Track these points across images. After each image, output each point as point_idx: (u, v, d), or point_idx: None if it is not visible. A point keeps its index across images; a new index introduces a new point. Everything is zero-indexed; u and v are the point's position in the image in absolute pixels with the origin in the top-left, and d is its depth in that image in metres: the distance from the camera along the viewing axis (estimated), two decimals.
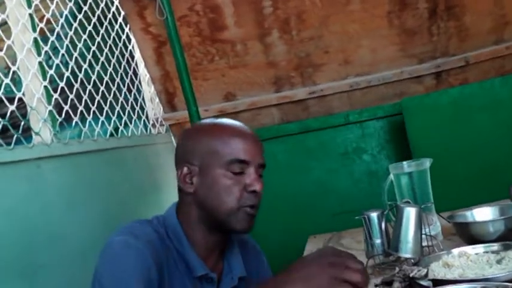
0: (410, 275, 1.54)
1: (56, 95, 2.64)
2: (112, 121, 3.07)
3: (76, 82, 2.80)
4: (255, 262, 1.79)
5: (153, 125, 3.59)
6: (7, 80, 2.36)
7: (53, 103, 2.63)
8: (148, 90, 3.64)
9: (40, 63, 2.62)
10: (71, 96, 2.73)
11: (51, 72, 2.64)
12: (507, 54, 3.24)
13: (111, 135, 3.06)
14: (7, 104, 2.33)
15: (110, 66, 3.14)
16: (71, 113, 2.72)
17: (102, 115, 2.97)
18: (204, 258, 1.55)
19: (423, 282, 1.52)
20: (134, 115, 3.34)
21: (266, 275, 1.83)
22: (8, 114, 2.30)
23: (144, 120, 3.45)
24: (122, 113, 3.19)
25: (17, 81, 2.57)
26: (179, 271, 1.49)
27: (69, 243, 2.44)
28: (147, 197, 3.26)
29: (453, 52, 3.29)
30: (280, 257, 2.65)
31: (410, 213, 1.76)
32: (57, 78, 2.67)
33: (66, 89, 2.73)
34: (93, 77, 2.95)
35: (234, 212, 1.51)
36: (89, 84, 2.91)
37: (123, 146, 3.10)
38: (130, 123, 3.28)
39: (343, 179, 3.34)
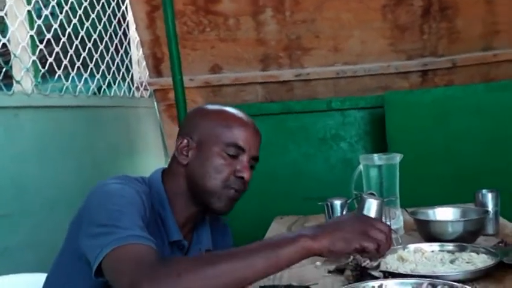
0: (362, 265, 1.57)
1: (41, 46, 2.63)
2: (96, 79, 3.07)
3: (63, 36, 2.79)
4: (221, 238, 1.83)
5: (137, 88, 3.59)
6: None
7: (37, 54, 2.63)
8: (136, 53, 3.63)
9: (29, 12, 2.61)
10: (57, 49, 2.73)
11: (39, 22, 2.64)
12: (494, 62, 3.27)
13: (94, 94, 3.06)
14: None
15: (100, 24, 3.14)
16: (54, 66, 2.72)
17: (86, 72, 2.97)
18: (180, 226, 1.59)
19: (374, 273, 1.55)
20: (119, 76, 3.35)
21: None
22: None
23: (128, 83, 3.46)
24: (106, 73, 3.19)
25: (3, 27, 2.55)
26: (156, 231, 1.51)
27: (38, 195, 2.45)
28: (123, 159, 3.28)
29: (442, 53, 3.32)
30: (247, 234, 2.69)
31: (371, 205, 1.77)
32: (44, 30, 2.66)
33: (52, 41, 2.72)
34: (82, 33, 2.95)
35: (217, 191, 1.55)
36: (77, 39, 2.90)
37: (104, 105, 3.11)
38: (114, 83, 3.28)
39: (318, 164, 3.37)
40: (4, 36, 2.47)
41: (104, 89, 3.16)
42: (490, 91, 3.09)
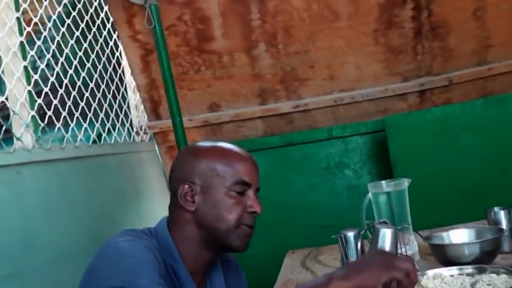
0: None
1: (39, 100, 2.63)
2: (95, 128, 3.06)
3: (61, 87, 2.80)
4: (236, 281, 1.81)
5: (137, 133, 3.58)
6: None
7: (36, 108, 2.62)
8: (134, 98, 3.64)
9: (25, 67, 2.62)
10: (55, 102, 2.73)
11: (36, 76, 2.64)
12: (489, 76, 3.28)
13: (94, 142, 3.05)
14: None
15: (96, 72, 3.14)
16: (53, 118, 2.72)
17: (85, 121, 2.97)
18: (191, 274, 1.57)
19: None
20: (118, 122, 3.34)
21: None
22: None
23: (128, 128, 3.45)
24: (105, 120, 3.19)
25: (0, 84, 2.56)
26: (170, 285, 1.49)
27: (46, 251, 2.43)
28: (129, 205, 3.26)
29: (437, 71, 3.32)
30: (259, 271, 2.69)
31: (386, 235, 1.76)
32: (41, 83, 2.67)
33: (50, 93, 2.72)
34: (78, 83, 2.95)
35: (233, 230, 1.56)
36: (74, 89, 2.90)
37: (106, 153, 3.10)
38: (114, 130, 3.28)
39: (324, 193, 3.36)
40: (2, 94, 2.47)
41: (104, 137, 3.15)
42: (488, 106, 3.09)
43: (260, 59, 3.30)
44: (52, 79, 2.74)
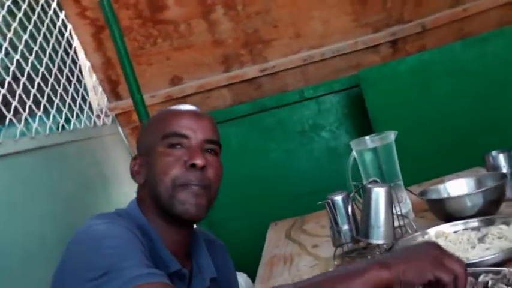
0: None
1: None
2: (51, 116, 2.83)
3: (7, 75, 2.56)
4: (222, 261, 1.65)
5: (98, 116, 3.36)
6: None
7: None
8: (90, 80, 3.40)
9: None
10: (3, 91, 2.49)
11: None
12: (465, 17, 3.11)
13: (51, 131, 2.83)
14: None
15: (45, 56, 2.90)
16: (3, 109, 2.48)
17: (39, 110, 2.73)
18: (176, 255, 1.40)
19: None
20: (76, 107, 3.11)
21: (233, 275, 1.72)
22: None
23: (87, 112, 3.22)
24: (61, 106, 2.95)
25: None
26: (154, 266, 1.28)
27: (10, 253, 2.22)
28: (97, 193, 3.06)
29: (408, 18, 3.15)
30: (243, 247, 2.53)
31: (379, 194, 1.60)
32: None
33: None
34: (27, 69, 2.71)
35: (173, 193, 1.36)
36: (23, 76, 2.67)
37: (66, 141, 2.87)
38: (72, 116, 3.05)
39: (302, 158, 3.21)
40: None
41: (62, 124, 2.92)
42: (467, 47, 2.94)
43: (219, 24, 3.10)
44: None
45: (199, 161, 1.35)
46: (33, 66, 2.78)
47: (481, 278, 1.20)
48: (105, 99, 3.37)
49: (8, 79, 2.56)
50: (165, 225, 1.40)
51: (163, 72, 3.24)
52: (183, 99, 3.30)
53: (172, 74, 3.26)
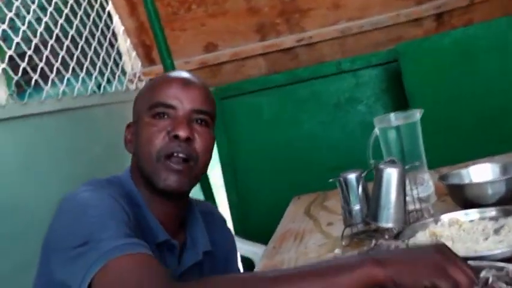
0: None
1: (10, 52, 2.37)
2: (80, 78, 2.80)
3: (35, 37, 2.53)
4: (221, 236, 1.59)
5: (131, 81, 3.32)
6: None
7: (6, 60, 2.37)
8: (125, 44, 3.37)
9: None
10: (29, 52, 2.47)
11: (4, 26, 2.38)
12: None
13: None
14: None
15: (76, 18, 2.87)
16: (29, 71, 2.46)
17: (67, 72, 2.71)
18: (164, 226, 1.35)
19: None
20: (107, 71, 3.08)
21: (231, 249, 1.64)
22: None
23: (119, 76, 3.19)
24: (91, 69, 2.92)
25: None
26: (139, 236, 1.24)
27: (28, 214, 2.21)
28: (123, 158, 3.02)
29: None
30: (267, 218, 2.46)
31: (391, 175, 1.51)
32: (10, 33, 2.41)
33: (23, 45, 2.46)
34: (56, 31, 2.68)
35: (156, 165, 1.30)
36: (51, 39, 2.64)
37: (94, 104, 2.85)
38: (103, 79, 3.02)
39: (336, 132, 3.11)
40: None
41: (91, 87, 2.89)
42: None
43: None
44: (23, 28, 2.47)
45: (182, 132, 1.28)
46: (63, 29, 2.75)
47: (483, 274, 1.10)
48: (139, 64, 3.33)
49: (35, 40, 2.54)
50: (153, 196, 1.35)
51: (198, 38, 3.18)
52: (217, 66, 3.25)
53: (206, 41, 3.19)
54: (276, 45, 3.14)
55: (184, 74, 1.40)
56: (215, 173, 3.41)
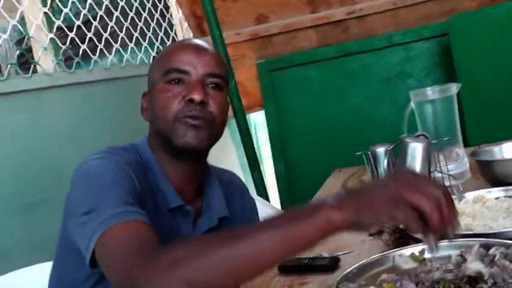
0: (401, 226, 1.29)
1: (58, 22, 2.43)
2: (129, 48, 2.85)
3: (84, 8, 2.59)
4: (240, 204, 1.59)
5: None
6: None
7: (54, 29, 2.43)
8: (177, 15, 3.40)
9: None
10: (77, 23, 2.53)
11: None
12: None
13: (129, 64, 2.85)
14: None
15: None
16: (78, 41, 2.52)
17: (116, 43, 2.76)
18: (179, 192, 1.38)
19: (419, 236, 1.26)
20: (157, 41, 3.11)
21: (253, 218, 1.64)
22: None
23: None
24: (141, 40, 2.96)
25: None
26: (152, 201, 1.32)
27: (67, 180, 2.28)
28: None
29: None
30: (313, 189, 2.46)
31: (416, 150, 1.49)
32: (59, 4, 2.47)
33: (71, 15, 2.52)
34: (106, 2, 2.73)
35: (172, 126, 1.32)
36: (100, 9, 2.69)
37: (142, 74, 2.89)
38: (153, 50, 3.06)
39: (385, 106, 3.06)
40: (13, 18, 2.29)
41: (141, 57, 2.94)
42: None
43: None
44: None
45: (196, 96, 1.30)
46: (114, 1, 2.79)
47: (491, 251, 1.09)
48: (191, 34, 3.36)
49: (83, 11, 2.60)
50: (170, 160, 1.37)
51: (249, 10, 3.18)
52: (268, 38, 3.25)
53: (257, 13, 3.19)
54: (327, 17, 3.11)
55: (197, 41, 1.42)
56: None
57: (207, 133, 1.32)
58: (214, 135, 1.36)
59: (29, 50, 2.58)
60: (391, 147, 1.62)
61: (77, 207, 1.20)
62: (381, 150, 1.63)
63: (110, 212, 1.12)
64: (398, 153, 1.63)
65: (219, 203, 1.46)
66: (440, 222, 0.92)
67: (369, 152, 1.64)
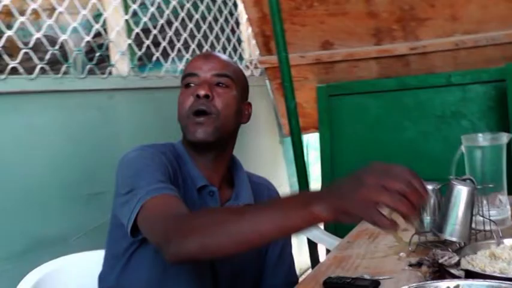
0: (439, 261, 1.39)
1: (137, 29, 2.60)
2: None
3: (161, 18, 2.75)
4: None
5: (247, 67, 3.51)
6: (85, 12, 2.38)
7: (133, 37, 2.60)
8: (246, 32, 3.55)
9: None
10: (154, 32, 2.69)
11: (135, 6, 2.61)
12: None
13: None
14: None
15: (202, 4, 3.07)
16: (152, 49, 2.69)
17: (188, 53, 2.92)
18: (207, 177, 1.61)
19: (454, 271, 1.36)
20: (225, 55, 3.27)
21: None
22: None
23: (236, 61, 3.38)
24: None
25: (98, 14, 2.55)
26: (183, 182, 1.58)
27: None
28: None
29: None
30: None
31: (460, 193, 1.58)
32: (140, 13, 2.64)
33: (149, 24, 2.69)
34: (182, 14, 2.89)
35: (186, 122, 1.57)
36: (176, 20, 2.85)
37: None
38: None
39: (436, 143, 3.13)
40: (98, 22, 2.46)
41: None
42: None
43: None
44: (152, 9, 2.69)
45: (201, 91, 1.53)
46: (188, 13, 2.95)
47: None
48: (257, 52, 3.50)
49: (161, 21, 2.76)
50: (194, 151, 1.60)
51: (316, 35, 3.30)
52: (330, 64, 3.36)
53: (323, 38, 3.31)
54: (390, 50, 3.21)
55: (209, 51, 1.65)
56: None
57: (212, 126, 1.55)
58: (222, 128, 1.57)
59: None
60: (439, 187, 1.71)
61: (120, 189, 1.48)
62: (428, 188, 1.72)
63: (147, 189, 1.38)
64: (445, 192, 1.74)
65: (246, 193, 1.68)
66: (408, 212, 1.08)
67: None
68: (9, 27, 2.10)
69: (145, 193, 1.38)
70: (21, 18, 2.14)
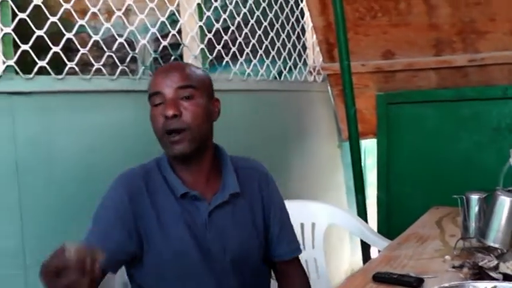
0: (479, 264, 1.53)
1: (209, 35, 2.79)
2: (265, 65, 3.18)
3: (233, 25, 2.93)
4: (265, 187, 1.88)
5: (310, 73, 3.67)
6: (163, 18, 2.58)
7: (205, 42, 2.79)
8: (311, 39, 3.71)
9: (199, 4, 2.78)
10: (225, 37, 2.88)
11: (208, 13, 2.79)
12: None
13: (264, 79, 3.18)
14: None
15: (271, 11, 3.24)
16: (223, 53, 2.87)
17: (255, 58, 3.09)
18: (191, 182, 1.72)
19: (493, 274, 1.50)
20: (290, 61, 3.44)
21: (272, 202, 1.90)
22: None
23: (300, 67, 3.54)
24: (276, 58, 3.29)
25: (173, 20, 2.74)
26: (163, 192, 1.70)
27: None
28: (293, 142, 3.38)
29: None
30: (410, 220, 2.67)
31: (504, 202, 1.71)
32: (213, 20, 2.82)
33: (221, 30, 2.87)
34: (251, 21, 3.07)
35: (162, 140, 1.68)
36: (246, 27, 3.03)
37: (274, 89, 3.23)
38: (285, 69, 3.38)
39: (490, 155, 3.21)
40: (174, 29, 2.66)
41: (274, 74, 3.27)
42: None
43: (438, 8, 3.19)
44: (224, 16, 2.88)
45: (168, 112, 1.62)
46: (257, 19, 3.13)
47: None
48: (321, 59, 3.65)
49: (232, 27, 2.94)
50: (175, 162, 1.73)
51: (378, 45, 3.42)
52: (391, 73, 3.47)
53: (385, 48, 3.43)
54: (449, 62, 3.31)
55: (168, 64, 1.83)
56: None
57: (186, 141, 1.66)
58: (196, 138, 1.67)
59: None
60: (484, 196, 1.84)
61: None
62: (474, 197, 1.86)
63: (87, 236, 1.64)
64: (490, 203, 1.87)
65: (232, 181, 1.78)
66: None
67: (464, 197, 1.86)
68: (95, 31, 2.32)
69: (86, 237, 1.63)
70: (107, 25, 2.35)
